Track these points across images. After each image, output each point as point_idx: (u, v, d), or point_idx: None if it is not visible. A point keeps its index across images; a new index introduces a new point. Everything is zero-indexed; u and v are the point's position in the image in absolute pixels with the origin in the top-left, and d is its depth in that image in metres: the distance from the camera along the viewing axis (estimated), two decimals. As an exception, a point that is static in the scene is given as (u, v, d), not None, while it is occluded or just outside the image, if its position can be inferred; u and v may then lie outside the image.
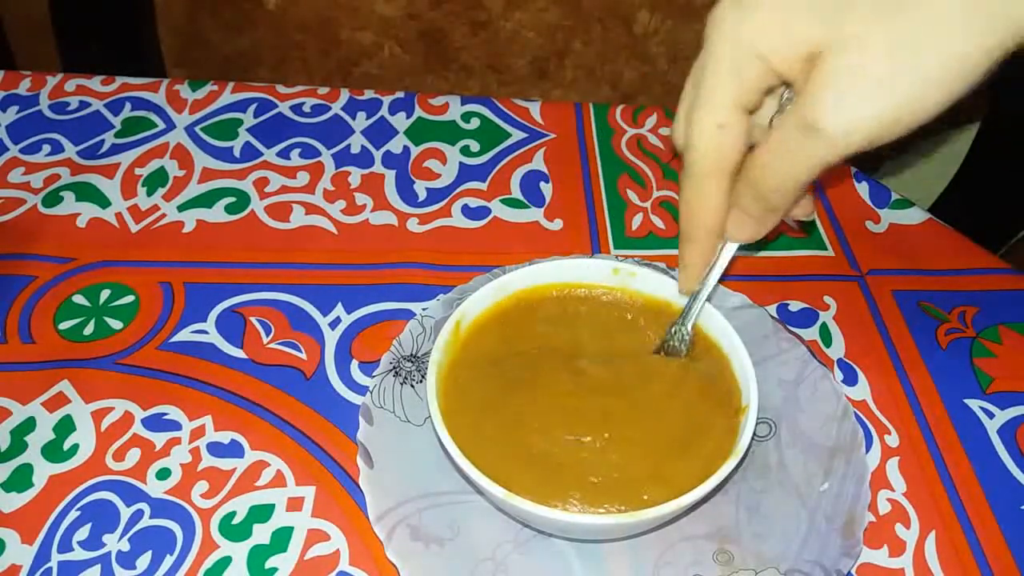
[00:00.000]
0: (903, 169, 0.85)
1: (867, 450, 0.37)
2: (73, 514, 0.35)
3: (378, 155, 0.52)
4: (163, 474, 0.36)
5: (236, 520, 0.35)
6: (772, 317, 0.41)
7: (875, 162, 0.77)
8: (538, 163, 0.52)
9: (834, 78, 0.26)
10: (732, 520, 0.35)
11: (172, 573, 0.33)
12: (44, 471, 0.36)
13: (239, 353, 0.41)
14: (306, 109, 0.54)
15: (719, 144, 0.29)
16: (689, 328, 0.36)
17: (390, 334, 0.41)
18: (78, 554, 0.34)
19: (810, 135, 0.26)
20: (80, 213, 0.47)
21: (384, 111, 0.55)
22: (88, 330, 0.42)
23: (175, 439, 0.38)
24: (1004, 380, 0.41)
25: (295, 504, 0.36)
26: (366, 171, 0.51)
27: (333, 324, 0.42)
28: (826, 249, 0.48)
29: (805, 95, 0.26)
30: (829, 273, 0.46)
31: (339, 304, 0.43)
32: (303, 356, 0.41)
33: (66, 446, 0.37)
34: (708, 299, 0.36)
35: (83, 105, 0.54)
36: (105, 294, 0.43)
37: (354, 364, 0.41)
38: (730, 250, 0.34)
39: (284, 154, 0.51)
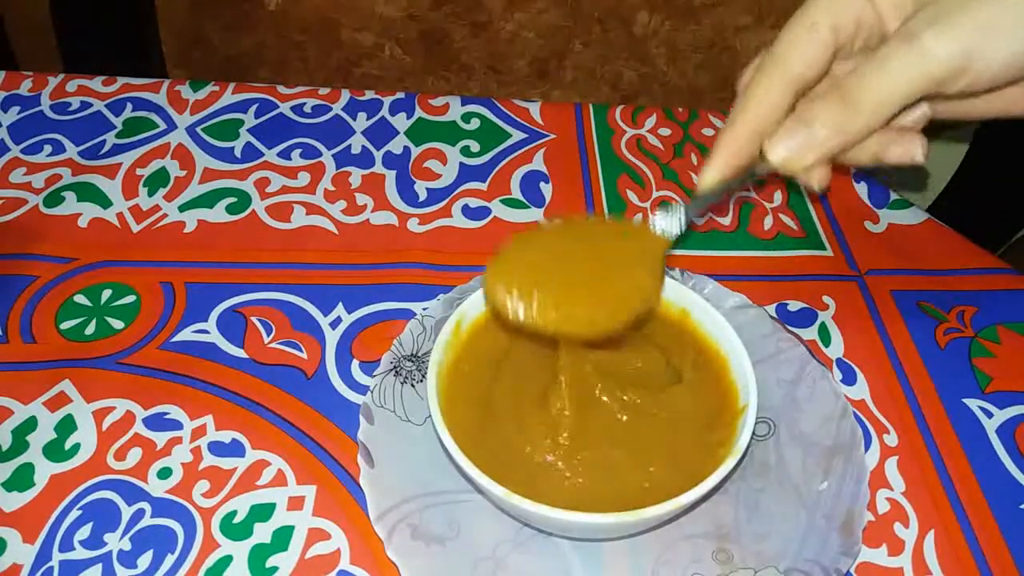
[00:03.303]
0: (902, 169, 0.85)
1: (866, 449, 0.38)
2: (74, 513, 0.35)
3: (379, 155, 0.52)
4: (164, 473, 0.37)
5: (237, 519, 0.35)
6: (771, 317, 0.41)
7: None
8: (538, 163, 0.52)
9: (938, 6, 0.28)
10: (731, 519, 0.35)
11: (173, 572, 0.34)
12: (45, 470, 0.36)
13: (240, 353, 0.41)
14: (307, 110, 0.55)
15: (804, 42, 0.31)
16: (682, 219, 0.34)
17: (390, 334, 0.41)
18: (79, 553, 0.34)
19: (912, 45, 0.28)
20: (81, 213, 0.47)
21: (385, 112, 0.55)
22: (89, 330, 0.42)
23: (176, 438, 0.38)
24: (1003, 380, 0.41)
25: (296, 503, 0.36)
26: (367, 171, 0.51)
27: (334, 324, 0.43)
28: (825, 249, 0.48)
29: (912, 17, 0.28)
30: (828, 273, 0.46)
31: (340, 304, 0.43)
32: (304, 356, 0.41)
33: (67, 445, 0.37)
34: (708, 299, 0.36)
35: (84, 105, 0.54)
36: (106, 294, 0.43)
37: (355, 364, 0.41)
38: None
39: (285, 154, 0.52)
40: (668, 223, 0.34)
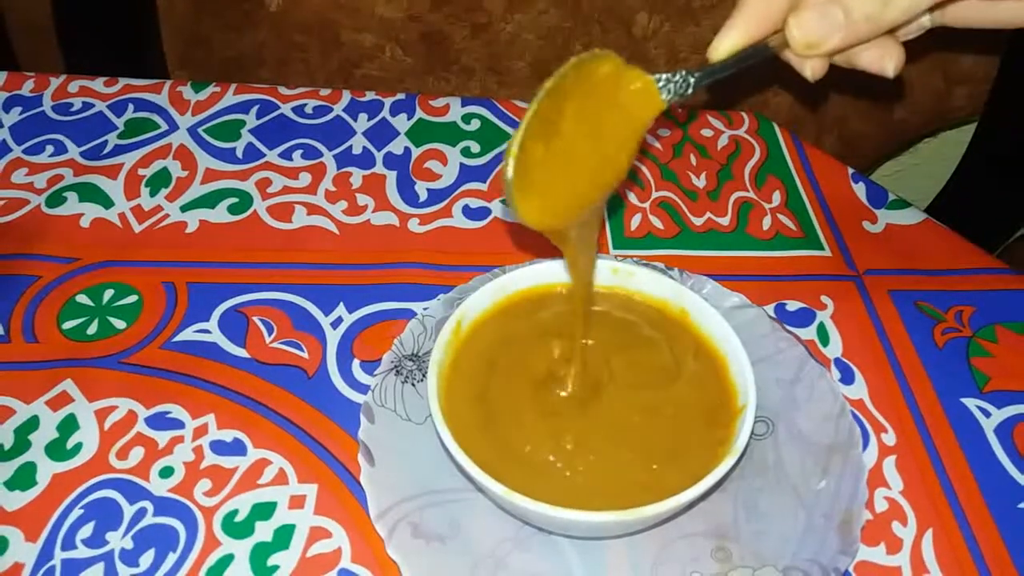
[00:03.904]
0: (900, 169, 0.85)
1: (864, 448, 0.38)
2: (76, 512, 0.35)
3: (379, 156, 0.52)
4: (166, 472, 0.37)
5: (238, 518, 0.35)
6: (770, 317, 0.42)
7: (873, 162, 0.78)
8: (538, 164, 0.52)
9: None
10: (730, 518, 0.35)
11: (175, 571, 0.34)
12: (48, 469, 0.37)
13: (242, 352, 0.41)
14: (308, 110, 0.55)
15: None
16: (691, 82, 0.32)
17: (391, 333, 0.41)
18: (81, 552, 0.34)
19: None
20: (83, 213, 0.47)
21: (385, 112, 0.55)
22: (91, 330, 0.42)
23: (178, 437, 0.38)
24: (1000, 379, 0.42)
25: (297, 502, 0.36)
26: (367, 172, 0.51)
27: (335, 323, 0.43)
28: (823, 249, 0.48)
29: None
30: (826, 273, 0.46)
31: (341, 304, 0.44)
32: (305, 355, 0.41)
33: (69, 445, 0.37)
34: (702, 295, 0.36)
35: (86, 106, 0.54)
36: (108, 294, 0.44)
37: (356, 363, 0.41)
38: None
39: (286, 155, 0.52)
40: (671, 90, 0.32)
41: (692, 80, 0.32)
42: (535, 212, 0.31)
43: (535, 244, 0.47)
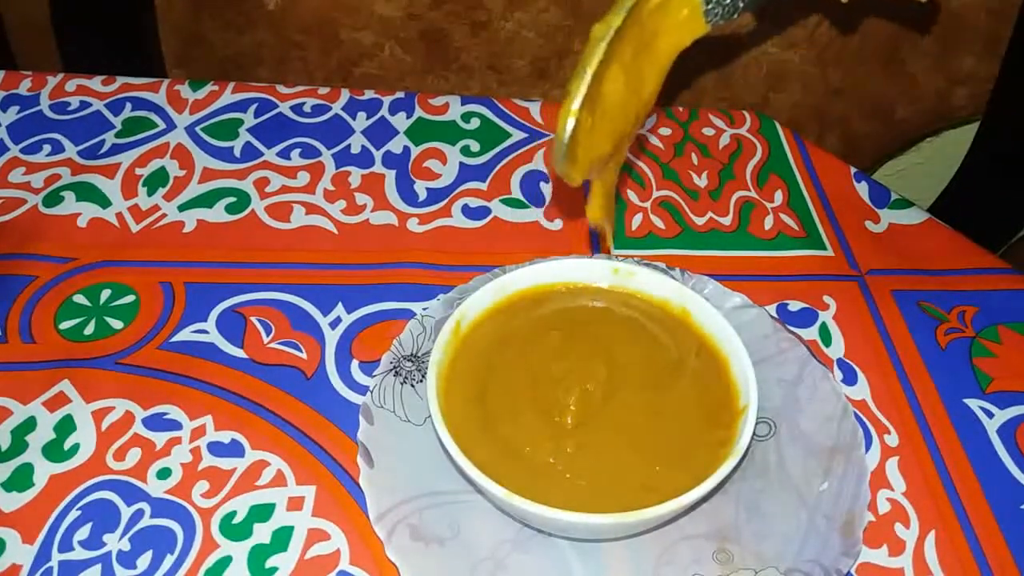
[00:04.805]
0: (903, 169, 0.85)
1: (867, 450, 0.38)
2: (74, 514, 0.35)
3: (378, 155, 0.52)
4: (164, 474, 0.36)
5: (236, 520, 0.35)
6: (772, 317, 0.41)
7: (875, 162, 0.77)
8: (538, 163, 0.52)
9: None
10: (732, 519, 0.35)
11: (172, 573, 0.33)
12: (45, 471, 0.36)
13: (239, 353, 0.41)
14: (306, 109, 0.54)
15: None
16: (739, 6, 0.31)
17: (390, 334, 0.41)
18: (79, 554, 0.34)
19: None
20: (81, 213, 0.47)
21: (384, 111, 0.55)
22: (89, 330, 0.42)
23: (175, 439, 0.38)
24: (1003, 380, 0.41)
25: (295, 503, 0.36)
26: (366, 171, 0.51)
27: (333, 324, 0.43)
28: (826, 249, 0.48)
29: None
30: (829, 273, 0.46)
31: (339, 304, 0.43)
32: (303, 356, 0.41)
33: (67, 446, 0.37)
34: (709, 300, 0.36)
35: (84, 105, 0.54)
36: (106, 294, 0.43)
37: (354, 364, 0.41)
38: None
39: (284, 154, 0.51)
40: (718, 12, 0.31)
41: (742, 3, 0.31)
42: (579, 170, 0.31)
43: (535, 244, 0.47)
